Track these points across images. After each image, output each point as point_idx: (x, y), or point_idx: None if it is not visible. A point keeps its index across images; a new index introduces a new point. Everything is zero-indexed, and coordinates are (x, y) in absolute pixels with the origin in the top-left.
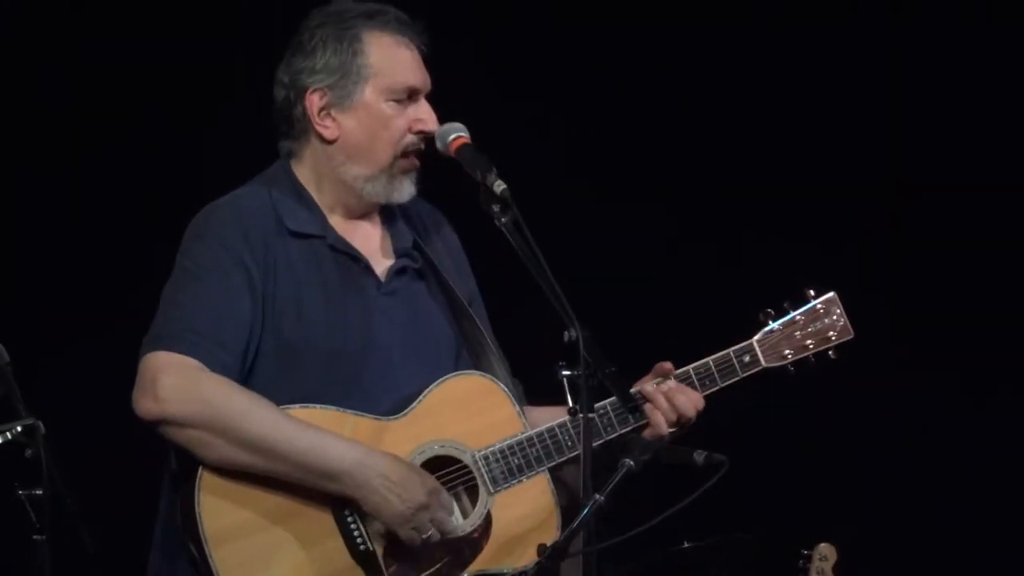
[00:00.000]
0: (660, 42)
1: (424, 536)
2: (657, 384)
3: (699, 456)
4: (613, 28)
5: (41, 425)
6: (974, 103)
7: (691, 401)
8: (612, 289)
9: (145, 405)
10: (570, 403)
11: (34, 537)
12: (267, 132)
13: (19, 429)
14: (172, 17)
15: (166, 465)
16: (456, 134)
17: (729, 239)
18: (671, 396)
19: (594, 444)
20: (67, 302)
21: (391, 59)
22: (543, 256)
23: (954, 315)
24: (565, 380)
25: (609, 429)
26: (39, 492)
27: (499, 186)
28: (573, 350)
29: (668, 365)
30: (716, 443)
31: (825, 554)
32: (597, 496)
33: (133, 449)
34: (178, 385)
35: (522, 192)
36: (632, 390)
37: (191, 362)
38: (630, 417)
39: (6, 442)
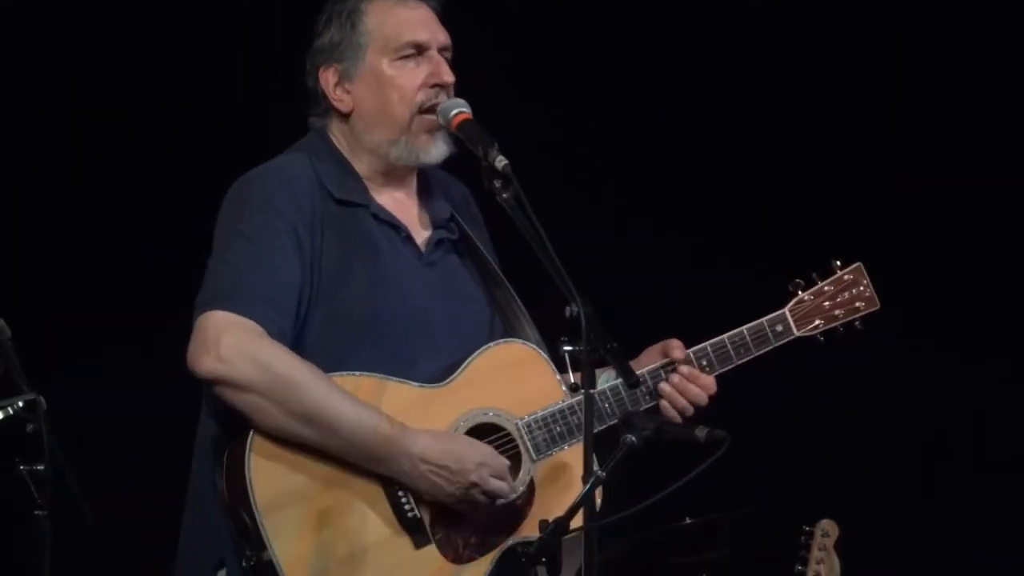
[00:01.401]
0: (664, 36)
1: (479, 508)
2: (666, 374)
3: (701, 432)
4: (613, 24)
5: (43, 400)
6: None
7: (703, 389)
8: (615, 280)
9: (207, 364)
10: (571, 378)
11: (35, 512)
12: (266, 132)
13: (20, 404)
14: (172, 17)
15: (202, 431)
16: (458, 109)
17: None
18: (684, 389)
19: (600, 428)
20: (67, 302)
21: (389, 19)
22: (544, 231)
23: (961, 299)
24: (567, 355)
25: (613, 416)
26: (40, 467)
27: (500, 162)
28: (575, 325)
29: (677, 343)
30: (718, 419)
31: (827, 530)
32: (599, 471)
33: (135, 429)
34: (241, 347)
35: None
36: (643, 370)
37: (252, 325)
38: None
39: (7, 417)
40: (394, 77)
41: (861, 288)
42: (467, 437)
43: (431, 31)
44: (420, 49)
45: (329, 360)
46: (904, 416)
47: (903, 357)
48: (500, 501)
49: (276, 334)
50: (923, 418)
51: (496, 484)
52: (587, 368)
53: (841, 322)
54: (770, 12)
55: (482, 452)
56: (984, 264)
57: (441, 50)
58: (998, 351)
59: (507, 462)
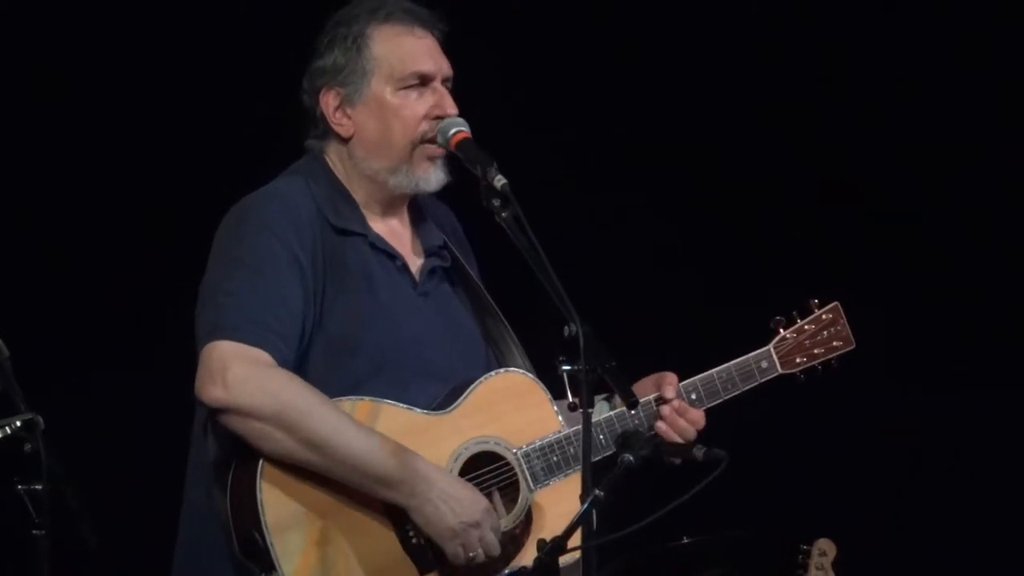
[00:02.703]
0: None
1: (470, 555)
2: (656, 405)
3: (699, 451)
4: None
5: (40, 420)
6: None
7: (692, 423)
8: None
9: (214, 393)
10: (570, 398)
11: (33, 532)
12: (266, 136)
13: (18, 424)
14: (172, 20)
15: (198, 455)
16: (457, 128)
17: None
18: (673, 422)
19: (594, 458)
20: (66, 322)
21: (395, 48)
22: (543, 251)
23: (956, 315)
24: (565, 375)
25: (607, 447)
26: (38, 487)
27: (499, 181)
28: (573, 345)
29: (671, 379)
30: (715, 438)
31: (824, 549)
32: (596, 491)
33: (137, 447)
34: (248, 377)
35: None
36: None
37: (258, 353)
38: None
39: (5, 437)
40: (398, 107)
41: (838, 328)
42: (472, 485)
43: (436, 62)
44: (425, 80)
45: (330, 389)
46: (902, 435)
47: (903, 376)
48: (484, 557)
49: (281, 363)
50: (921, 437)
51: (492, 536)
52: (585, 388)
53: (820, 360)
54: (776, 23)
55: (487, 502)
56: (978, 278)
57: (444, 81)
58: (990, 370)
59: (499, 519)
